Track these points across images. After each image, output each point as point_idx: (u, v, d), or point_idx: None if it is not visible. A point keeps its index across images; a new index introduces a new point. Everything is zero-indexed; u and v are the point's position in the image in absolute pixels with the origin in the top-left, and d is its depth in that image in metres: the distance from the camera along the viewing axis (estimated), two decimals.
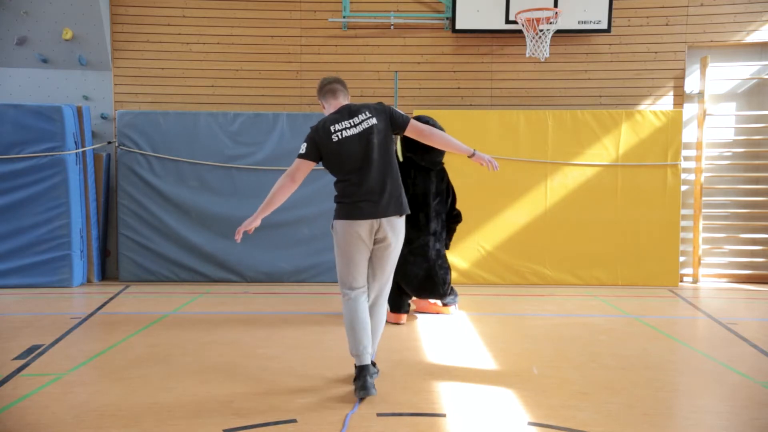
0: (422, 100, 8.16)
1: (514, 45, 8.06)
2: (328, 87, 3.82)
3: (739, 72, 8.18)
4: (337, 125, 3.62)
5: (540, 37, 7.39)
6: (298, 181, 3.68)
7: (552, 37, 7.50)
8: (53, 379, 3.92)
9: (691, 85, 8.17)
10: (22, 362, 4.26)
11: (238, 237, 3.73)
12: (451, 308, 6.01)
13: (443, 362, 4.39)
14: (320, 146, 3.62)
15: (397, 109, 3.76)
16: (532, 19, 7.34)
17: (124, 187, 7.77)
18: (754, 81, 8.17)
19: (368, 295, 3.76)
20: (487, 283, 7.79)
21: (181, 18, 8.10)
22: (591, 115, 7.82)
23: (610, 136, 7.81)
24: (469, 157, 3.78)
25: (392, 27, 8.07)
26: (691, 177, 8.16)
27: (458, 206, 5.84)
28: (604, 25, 7.82)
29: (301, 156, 3.66)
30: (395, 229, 3.65)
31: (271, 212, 3.76)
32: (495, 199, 7.79)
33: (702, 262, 8.15)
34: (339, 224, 3.65)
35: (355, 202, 3.59)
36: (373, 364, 3.78)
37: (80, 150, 7.50)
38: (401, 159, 5.76)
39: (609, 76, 8.18)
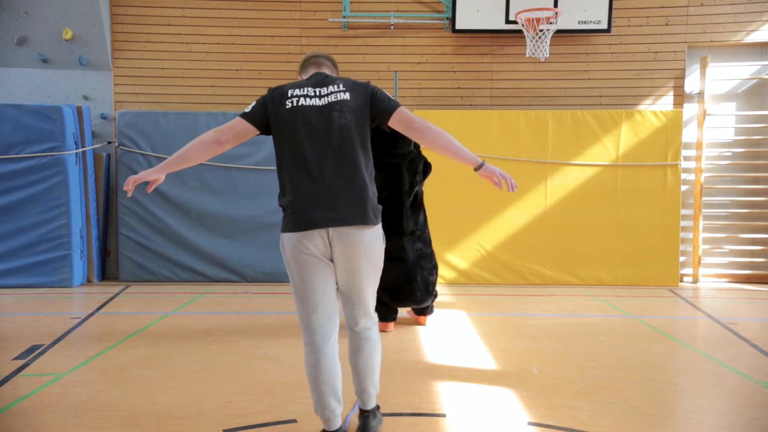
0: (422, 100, 8.16)
1: (514, 45, 8.06)
2: (312, 60, 3.01)
3: (739, 72, 8.18)
4: (297, 90, 2.77)
5: (540, 37, 7.39)
6: (224, 143, 2.75)
7: (552, 37, 7.50)
8: (53, 379, 3.92)
9: (691, 85, 8.17)
10: (22, 362, 4.26)
11: (129, 188, 2.75)
12: (428, 319, 5.54)
13: (443, 362, 4.38)
14: (270, 110, 2.74)
15: (385, 92, 2.84)
16: (532, 19, 7.34)
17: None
18: (754, 81, 8.16)
19: (348, 326, 2.91)
20: (487, 283, 7.79)
21: (181, 18, 8.10)
22: (591, 115, 7.82)
23: (610, 136, 7.81)
24: (475, 169, 2.81)
25: (392, 27, 8.07)
26: (691, 177, 8.16)
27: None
28: (604, 25, 7.82)
29: (242, 115, 2.78)
30: (360, 241, 2.71)
31: (177, 170, 2.83)
32: (495, 199, 7.79)
33: (702, 262, 8.15)
34: (285, 239, 2.73)
35: (303, 203, 2.69)
36: (377, 407, 3.07)
37: (80, 150, 7.50)
38: None
39: (609, 76, 8.18)
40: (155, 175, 2.79)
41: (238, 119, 2.77)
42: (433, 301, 5.49)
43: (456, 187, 7.61)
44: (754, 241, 8.16)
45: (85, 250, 7.60)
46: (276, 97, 2.77)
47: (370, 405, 2.98)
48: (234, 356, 4.49)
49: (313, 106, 2.73)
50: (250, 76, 8.16)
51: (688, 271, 8.23)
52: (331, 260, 2.75)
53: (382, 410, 3.36)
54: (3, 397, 3.59)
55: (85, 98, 8.06)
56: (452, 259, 7.82)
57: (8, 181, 7.25)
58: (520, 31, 7.63)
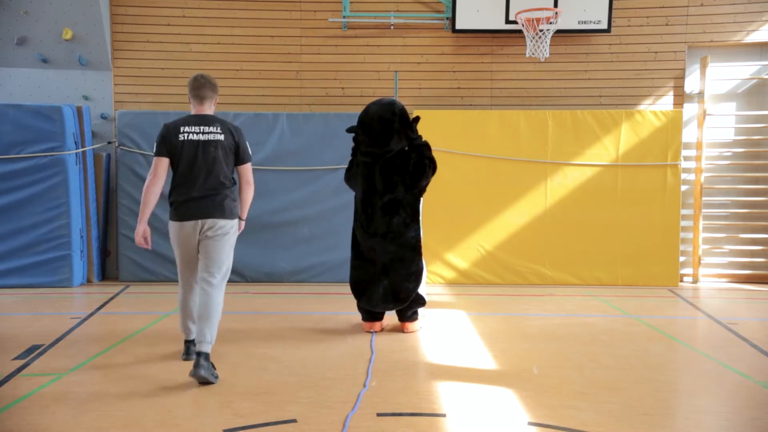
0: (422, 100, 8.16)
1: (514, 45, 8.06)
2: (195, 93, 4.13)
3: (739, 72, 8.18)
4: (187, 127, 4.05)
5: (540, 37, 7.39)
6: (159, 176, 4.06)
7: (552, 37, 7.49)
8: (53, 379, 3.92)
9: (691, 85, 8.17)
10: (22, 362, 4.26)
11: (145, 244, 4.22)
12: (414, 325, 5.27)
13: (443, 362, 4.39)
14: (167, 141, 4.03)
15: (246, 146, 4.21)
16: (532, 19, 7.34)
17: (124, 187, 7.77)
18: (754, 81, 8.16)
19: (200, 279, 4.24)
20: (487, 283, 7.79)
21: (181, 18, 8.10)
22: (591, 115, 7.82)
23: (610, 136, 7.81)
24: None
25: (392, 27, 8.07)
26: (691, 177, 8.16)
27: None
28: (604, 25, 7.82)
29: (155, 154, 4.09)
30: (214, 228, 4.09)
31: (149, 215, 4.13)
32: (495, 199, 7.79)
33: (702, 262, 8.15)
34: (170, 225, 4.19)
35: (187, 203, 4.05)
36: (206, 357, 3.86)
37: (80, 150, 7.50)
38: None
39: (609, 76, 8.18)
40: (143, 227, 4.11)
41: (157, 159, 4.05)
42: (417, 307, 5.27)
43: (456, 187, 7.63)
44: (754, 241, 8.16)
45: (85, 250, 7.60)
46: (171, 129, 4.06)
47: (204, 348, 3.85)
48: (234, 356, 4.49)
49: (198, 141, 4.05)
50: (250, 76, 8.16)
51: (688, 271, 8.22)
52: (196, 241, 4.15)
53: (383, 410, 3.37)
54: (3, 397, 3.60)
55: (85, 98, 8.06)
56: (452, 259, 7.82)
57: (8, 181, 7.24)
58: (520, 31, 7.63)
